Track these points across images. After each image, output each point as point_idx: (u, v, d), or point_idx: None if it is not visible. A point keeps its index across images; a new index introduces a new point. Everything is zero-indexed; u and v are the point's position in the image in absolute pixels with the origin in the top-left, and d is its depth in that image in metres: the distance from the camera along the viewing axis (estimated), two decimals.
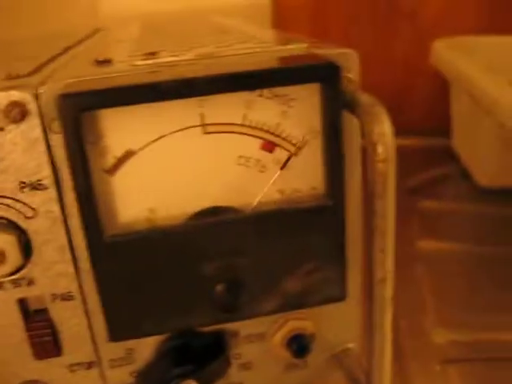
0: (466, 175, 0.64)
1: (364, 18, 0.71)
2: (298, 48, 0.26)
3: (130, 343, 0.28)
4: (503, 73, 0.52)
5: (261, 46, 0.27)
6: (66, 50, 0.36)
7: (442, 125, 0.70)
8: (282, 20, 0.71)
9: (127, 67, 0.25)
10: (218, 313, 0.26)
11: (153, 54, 0.26)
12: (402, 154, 0.70)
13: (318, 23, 0.72)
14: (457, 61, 0.57)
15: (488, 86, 0.48)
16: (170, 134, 0.23)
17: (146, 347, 0.28)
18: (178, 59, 0.25)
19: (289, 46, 0.26)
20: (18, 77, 0.26)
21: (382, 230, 0.22)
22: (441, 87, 0.68)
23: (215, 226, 0.25)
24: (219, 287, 0.25)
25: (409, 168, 0.65)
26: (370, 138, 0.22)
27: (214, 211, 0.25)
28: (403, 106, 0.74)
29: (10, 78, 0.25)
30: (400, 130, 0.75)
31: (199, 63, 0.25)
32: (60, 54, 0.33)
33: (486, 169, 0.60)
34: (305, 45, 0.26)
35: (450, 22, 0.69)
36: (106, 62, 0.27)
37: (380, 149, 0.22)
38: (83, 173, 0.23)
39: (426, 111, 0.74)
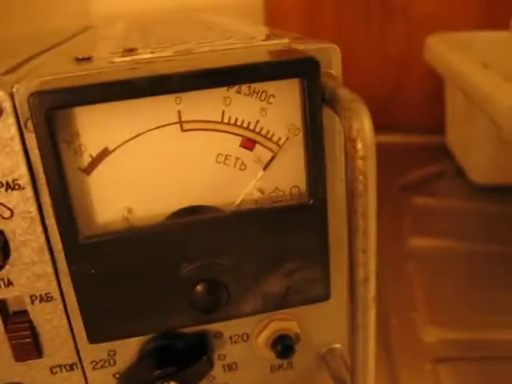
0: (460, 173, 0.64)
1: (357, 15, 0.70)
2: (279, 43, 0.26)
3: (112, 344, 0.27)
4: (498, 69, 0.52)
5: (242, 41, 0.26)
6: (50, 48, 0.35)
7: (436, 122, 0.69)
8: (274, 18, 0.71)
9: (105, 64, 0.25)
10: (199, 314, 0.25)
11: (131, 51, 0.25)
12: (396, 152, 0.70)
13: (311, 21, 0.71)
14: (450, 57, 0.56)
15: (481, 82, 0.47)
16: (147, 131, 0.23)
17: (128, 348, 0.28)
18: (156, 56, 0.25)
19: (270, 42, 0.26)
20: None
21: (363, 229, 0.22)
22: (435, 84, 0.68)
23: (194, 225, 0.24)
24: (199, 288, 0.25)
25: (403, 165, 0.64)
26: (349, 134, 0.21)
27: (193, 210, 0.24)
28: (397, 104, 0.74)
29: None
30: (394, 127, 0.75)
31: (176, 59, 0.24)
32: (42, 52, 0.33)
33: (479, 166, 0.59)
34: (286, 40, 0.26)
35: (444, 18, 0.69)
36: (86, 59, 0.27)
37: (359, 145, 0.21)
38: (57, 172, 0.22)
39: (420, 108, 0.74)
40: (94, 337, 0.25)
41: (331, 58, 0.24)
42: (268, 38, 0.26)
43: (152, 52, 0.25)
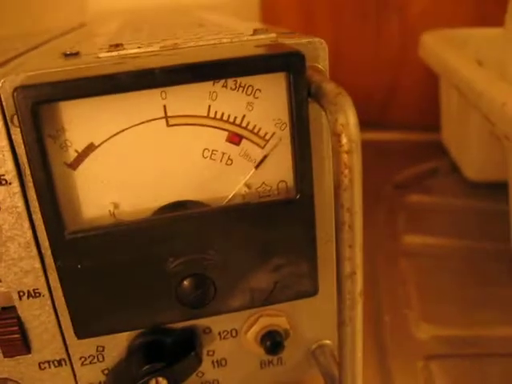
0: (455, 169, 0.64)
1: (353, 14, 0.70)
2: (266, 38, 0.26)
3: (101, 340, 0.27)
4: (492, 66, 0.52)
5: (229, 36, 0.26)
6: (40, 45, 0.35)
7: (431, 119, 0.69)
8: (270, 14, 0.71)
9: (91, 59, 0.24)
10: (186, 309, 0.25)
11: (117, 46, 0.25)
12: (392, 149, 0.69)
13: (307, 20, 0.71)
14: (444, 54, 0.56)
15: (475, 79, 0.47)
16: (133, 126, 0.23)
17: (117, 344, 0.28)
18: (142, 51, 0.25)
19: (257, 37, 0.26)
20: None
21: (349, 224, 0.22)
22: (430, 81, 0.67)
23: (181, 220, 0.24)
24: (186, 283, 0.25)
25: (397, 163, 0.64)
26: (334, 128, 0.21)
27: (180, 205, 0.24)
28: (392, 101, 0.74)
29: None
30: (388, 125, 0.75)
31: (162, 54, 0.24)
32: (32, 49, 0.33)
33: (474, 163, 0.59)
34: (273, 35, 0.26)
35: (439, 15, 0.69)
36: (74, 54, 0.27)
37: (344, 139, 0.21)
38: (42, 167, 0.22)
39: (417, 106, 0.73)
40: (81, 332, 0.25)
41: (318, 52, 0.24)
42: (255, 32, 0.26)
43: (139, 47, 0.25)
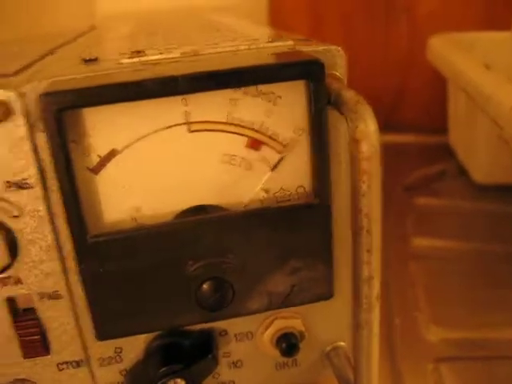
0: (463, 172, 0.64)
1: (360, 14, 0.70)
2: (283, 45, 0.26)
3: (119, 342, 0.28)
4: (500, 69, 0.52)
5: (247, 43, 0.27)
6: (56, 48, 0.36)
7: (440, 121, 0.69)
8: (278, 18, 0.71)
9: (112, 65, 0.25)
10: (205, 312, 0.26)
11: (139, 53, 0.26)
12: (399, 152, 0.70)
13: (314, 19, 0.71)
14: (452, 57, 0.56)
15: (483, 82, 0.48)
16: (155, 132, 0.23)
17: (135, 346, 0.28)
18: (163, 57, 0.25)
19: (274, 44, 0.26)
20: (3, 76, 0.26)
21: (368, 228, 0.22)
22: (438, 84, 0.68)
23: (201, 224, 0.24)
24: (205, 286, 0.25)
25: (406, 165, 0.64)
26: (354, 135, 0.22)
27: (200, 210, 0.25)
28: (400, 103, 0.74)
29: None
30: (397, 127, 0.75)
31: (182, 61, 0.24)
32: (49, 53, 0.33)
33: (482, 166, 0.59)
34: (291, 42, 0.26)
35: (447, 18, 0.69)
36: (93, 60, 0.27)
37: (364, 147, 0.22)
38: (66, 172, 0.23)
39: (424, 108, 0.74)
40: (101, 334, 0.26)
41: (335, 60, 0.25)
42: (273, 39, 0.27)
43: (160, 53, 0.25)
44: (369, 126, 0.22)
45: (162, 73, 0.22)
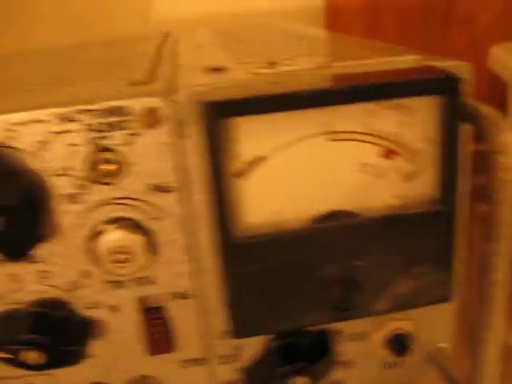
0: None
1: (418, 22, 0.71)
2: (411, 60, 0.27)
3: (240, 341, 0.29)
4: None
5: (374, 58, 0.28)
6: (155, 56, 0.37)
7: None
8: (335, 21, 0.72)
9: (248, 75, 0.26)
10: (335, 312, 0.27)
11: (272, 64, 0.27)
12: None
13: (371, 24, 0.72)
14: None
15: None
16: (298, 140, 0.24)
17: (253, 345, 0.29)
18: (296, 68, 0.26)
19: (401, 58, 0.27)
20: (138, 83, 0.27)
21: (504, 235, 0.23)
22: (497, 93, 0.68)
23: (335, 229, 0.26)
24: (337, 288, 0.26)
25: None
26: (493, 147, 0.23)
27: (334, 215, 0.26)
28: None
29: (131, 84, 0.27)
30: None
31: (318, 73, 0.26)
32: (156, 61, 0.34)
33: None
34: (418, 57, 0.27)
35: (508, 27, 0.70)
36: (219, 69, 0.28)
37: (504, 158, 0.23)
38: (215, 176, 0.24)
39: None
40: (239, 333, 0.27)
41: (464, 75, 0.26)
42: (397, 53, 0.28)
43: (294, 65, 0.27)
44: (507, 139, 0.23)
45: (308, 84, 0.24)
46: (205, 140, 0.24)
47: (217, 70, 0.29)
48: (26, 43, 0.66)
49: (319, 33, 0.50)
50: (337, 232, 0.26)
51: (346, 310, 0.27)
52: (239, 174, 0.25)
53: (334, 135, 0.25)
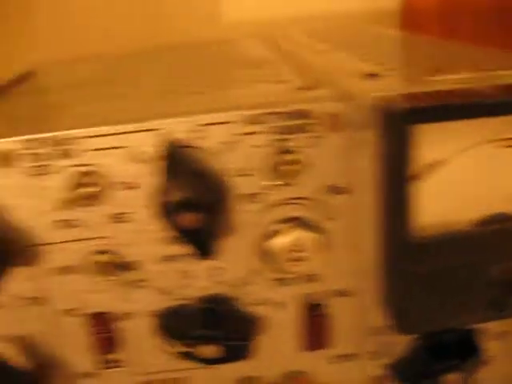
0: None
1: (495, 25, 0.71)
2: None
3: (389, 337, 0.30)
4: None
5: None
6: (283, 60, 0.38)
7: None
8: (410, 22, 0.72)
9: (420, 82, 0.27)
10: (491, 312, 0.28)
11: (438, 71, 0.28)
12: None
13: (447, 26, 0.72)
14: None
15: None
16: (472, 146, 0.25)
17: (401, 342, 0.30)
18: (462, 77, 0.27)
19: None
20: (307, 88, 0.28)
21: None
22: None
23: (503, 231, 0.26)
24: (498, 288, 0.27)
25: None
26: None
27: (499, 218, 0.27)
28: None
29: (302, 89, 0.28)
30: None
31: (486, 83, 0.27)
32: (294, 65, 0.35)
33: None
34: None
35: None
36: (374, 75, 0.29)
37: None
38: (396, 180, 0.25)
39: None
40: (406, 329, 0.28)
41: None
42: None
43: (458, 73, 0.28)
44: None
45: (483, 94, 0.25)
46: (385, 145, 0.24)
47: (372, 75, 0.30)
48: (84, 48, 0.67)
49: (412, 37, 0.51)
50: (503, 234, 0.27)
51: (502, 310, 0.27)
52: (418, 177, 0.26)
53: (504, 142, 0.26)
